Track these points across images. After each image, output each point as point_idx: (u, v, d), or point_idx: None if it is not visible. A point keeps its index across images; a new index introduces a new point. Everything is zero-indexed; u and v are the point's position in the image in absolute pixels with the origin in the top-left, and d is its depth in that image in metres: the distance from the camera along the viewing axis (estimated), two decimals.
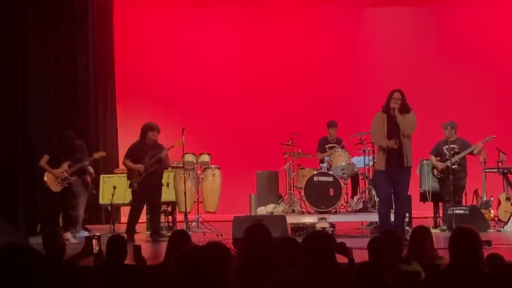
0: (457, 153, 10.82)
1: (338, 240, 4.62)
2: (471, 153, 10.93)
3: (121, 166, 11.73)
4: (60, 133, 11.20)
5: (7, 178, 11.05)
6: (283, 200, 11.53)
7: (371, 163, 11.35)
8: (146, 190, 10.40)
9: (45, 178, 10.52)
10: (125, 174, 10.83)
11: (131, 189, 10.60)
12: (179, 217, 11.58)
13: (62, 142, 10.77)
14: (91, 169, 11.39)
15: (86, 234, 10.90)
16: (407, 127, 8.80)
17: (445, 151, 10.96)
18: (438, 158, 11.06)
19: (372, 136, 9.39)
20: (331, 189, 10.80)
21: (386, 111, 8.95)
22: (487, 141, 10.95)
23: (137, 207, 10.52)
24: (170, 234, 6.50)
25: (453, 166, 10.58)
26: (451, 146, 10.67)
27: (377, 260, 4.77)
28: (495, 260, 4.95)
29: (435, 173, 11.08)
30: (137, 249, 5.73)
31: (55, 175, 10.48)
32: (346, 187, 11.37)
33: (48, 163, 10.52)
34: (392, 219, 9.13)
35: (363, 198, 11.30)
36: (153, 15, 14.40)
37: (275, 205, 11.40)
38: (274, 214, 10.89)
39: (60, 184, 10.50)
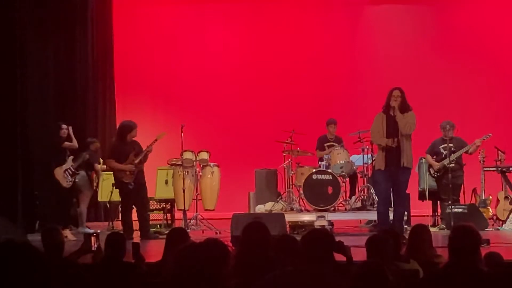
0: (453, 152, 10.82)
1: (337, 239, 4.62)
2: (466, 152, 10.95)
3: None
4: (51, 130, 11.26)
5: (6, 175, 11.03)
6: (281, 198, 11.54)
7: (369, 162, 11.36)
8: (137, 188, 10.39)
9: (56, 174, 10.51)
10: None
11: (118, 189, 10.58)
12: (178, 214, 11.58)
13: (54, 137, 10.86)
14: (97, 167, 11.38)
15: (91, 230, 10.93)
16: (405, 126, 8.79)
17: (441, 150, 10.99)
18: (435, 157, 11.07)
19: (371, 135, 9.41)
20: (329, 187, 10.80)
21: (386, 111, 8.96)
22: (484, 139, 10.96)
23: (129, 205, 10.47)
24: (168, 232, 6.50)
25: (450, 165, 10.59)
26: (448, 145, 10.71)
27: (375, 258, 4.77)
28: (493, 259, 4.96)
29: (431, 172, 11.10)
30: (136, 246, 5.73)
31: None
32: (345, 185, 11.38)
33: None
34: (391, 217, 9.14)
35: (362, 196, 11.31)
36: (153, 11, 14.40)
37: (273, 203, 11.41)
38: (273, 212, 10.90)
39: (70, 180, 10.52)
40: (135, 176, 10.33)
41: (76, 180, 10.71)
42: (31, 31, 11.84)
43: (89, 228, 11.26)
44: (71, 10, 13.03)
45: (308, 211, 11.09)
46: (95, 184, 11.54)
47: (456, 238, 4.18)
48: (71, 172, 10.58)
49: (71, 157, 10.59)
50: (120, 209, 11.25)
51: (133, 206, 10.45)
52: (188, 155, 11.33)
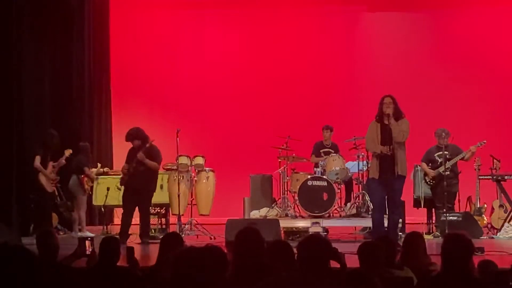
0: (449, 159, 10.84)
1: None
2: (462, 158, 10.97)
3: (115, 168, 11.92)
4: (43, 134, 11.23)
5: (1, 178, 11.02)
6: (276, 204, 11.54)
7: (365, 168, 11.36)
8: (132, 193, 10.39)
9: (40, 179, 10.53)
10: (119, 176, 10.82)
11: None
12: (173, 219, 11.57)
13: (46, 142, 10.84)
14: (87, 170, 11.36)
15: (90, 234, 10.87)
16: (399, 133, 8.79)
17: (436, 157, 11.00)
18: (430, 164, 11.09)
19: (366, 143, 9.40)
20: (324, 194, 10.80)
21: (379, 120, 8.96)
22: (479, 146, 10.98)
23: (127, 209, 10.47)
24: (162, 236, 6.50)
25: (445, 173, 10.61)
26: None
27: (367, 265, 4.77)
28: (487, 267, 4.96)
29: (427, 180, 11.11)
30: (130, 250, 5.72)
31: (46, 176, 10.52)
32: (340, 191, 11.38)
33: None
34: (386, 224, 9.14)
35: (357, 203, 11.31)
36: (150, 17, 14.40)
37: (268, 208, 11.41)
38: (268, 218, 10.90)
39: (53, 185, 10.55)
40: (124, 181, 10.37)
41: (58, 184, 10.73)
42: (27, 37, 11.83)
43: (79, 231, 11.25)
44: (68, 16, 13.00)
45: (303, 217, 11.09)
46: (87, 187, 11.51)
47: (447, 246, 4.19)
48: (53, 177, 10.63)
49: (51, 162, 10.64)
50: (114, 212, 11.30)
51: (129, 210, 10.43)
52: (183, 160, 11.32)
